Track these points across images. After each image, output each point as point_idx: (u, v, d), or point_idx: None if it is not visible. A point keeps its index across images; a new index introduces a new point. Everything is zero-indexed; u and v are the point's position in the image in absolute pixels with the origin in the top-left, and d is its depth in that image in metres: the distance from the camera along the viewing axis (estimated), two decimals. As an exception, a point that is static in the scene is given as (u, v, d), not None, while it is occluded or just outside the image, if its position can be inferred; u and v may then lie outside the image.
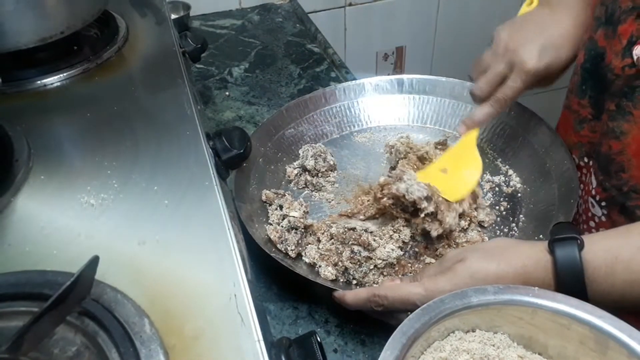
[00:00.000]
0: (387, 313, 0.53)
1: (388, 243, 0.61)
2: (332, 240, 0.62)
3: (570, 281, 0.46)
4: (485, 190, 0.71)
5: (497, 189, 0.72)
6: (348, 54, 1.45)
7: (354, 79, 0.94)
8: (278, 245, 0.62)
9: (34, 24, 0.63)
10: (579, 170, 0.71)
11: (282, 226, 0.63)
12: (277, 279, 0.62)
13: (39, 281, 0.38)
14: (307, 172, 0.73)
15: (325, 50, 1.07)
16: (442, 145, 0.76)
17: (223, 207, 0.46)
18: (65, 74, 0.65)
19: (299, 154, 0.76)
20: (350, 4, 1.37)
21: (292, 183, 0.74)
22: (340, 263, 0.59)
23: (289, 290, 0.61)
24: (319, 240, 0.63)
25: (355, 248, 0.59)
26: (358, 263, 0.59)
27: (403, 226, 0.62)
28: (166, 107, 0.59)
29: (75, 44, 0.69)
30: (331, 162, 0.74)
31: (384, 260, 0.59)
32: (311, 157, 0.73)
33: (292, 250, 0.61)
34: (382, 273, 0.60)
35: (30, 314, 0.34)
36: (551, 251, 0.47)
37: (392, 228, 0.63)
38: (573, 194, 0.63)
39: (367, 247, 0.59)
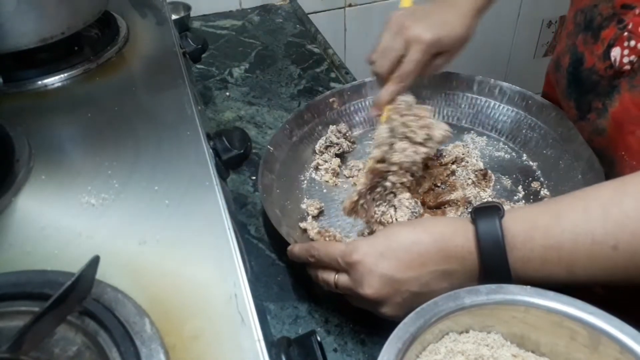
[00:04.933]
0: (350, 297, 0.54)
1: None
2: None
3: (491, 248, 0.48)
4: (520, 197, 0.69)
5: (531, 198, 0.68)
6: (348, 55, 1.45)
7: (354, 79, 0.94)
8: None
9: (34, 24, 0.63)
10: None
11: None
12: (277, 279, 0.62)
13: (39, 281, 0.38)
14: (335, 145, 0.77)
15: (325, 50, 1.07)
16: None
17: (223, 207, 0.46)
18: (66, 75, 0.65)
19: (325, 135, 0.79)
20: (350, 5, 1.37)
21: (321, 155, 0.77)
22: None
23: (289, 290, 0.61)
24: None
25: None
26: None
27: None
28: (167, 107, 0.60)
29: (76, 45, 0.70)
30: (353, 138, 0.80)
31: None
32: (335, 132, 0.78)
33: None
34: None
35: (31, 314, 0.34)
36: (473, 220, 0.49)
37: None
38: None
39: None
